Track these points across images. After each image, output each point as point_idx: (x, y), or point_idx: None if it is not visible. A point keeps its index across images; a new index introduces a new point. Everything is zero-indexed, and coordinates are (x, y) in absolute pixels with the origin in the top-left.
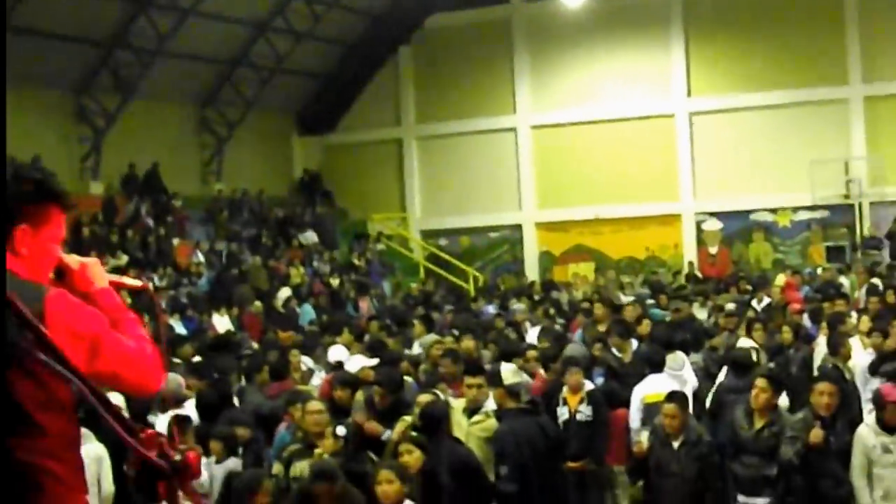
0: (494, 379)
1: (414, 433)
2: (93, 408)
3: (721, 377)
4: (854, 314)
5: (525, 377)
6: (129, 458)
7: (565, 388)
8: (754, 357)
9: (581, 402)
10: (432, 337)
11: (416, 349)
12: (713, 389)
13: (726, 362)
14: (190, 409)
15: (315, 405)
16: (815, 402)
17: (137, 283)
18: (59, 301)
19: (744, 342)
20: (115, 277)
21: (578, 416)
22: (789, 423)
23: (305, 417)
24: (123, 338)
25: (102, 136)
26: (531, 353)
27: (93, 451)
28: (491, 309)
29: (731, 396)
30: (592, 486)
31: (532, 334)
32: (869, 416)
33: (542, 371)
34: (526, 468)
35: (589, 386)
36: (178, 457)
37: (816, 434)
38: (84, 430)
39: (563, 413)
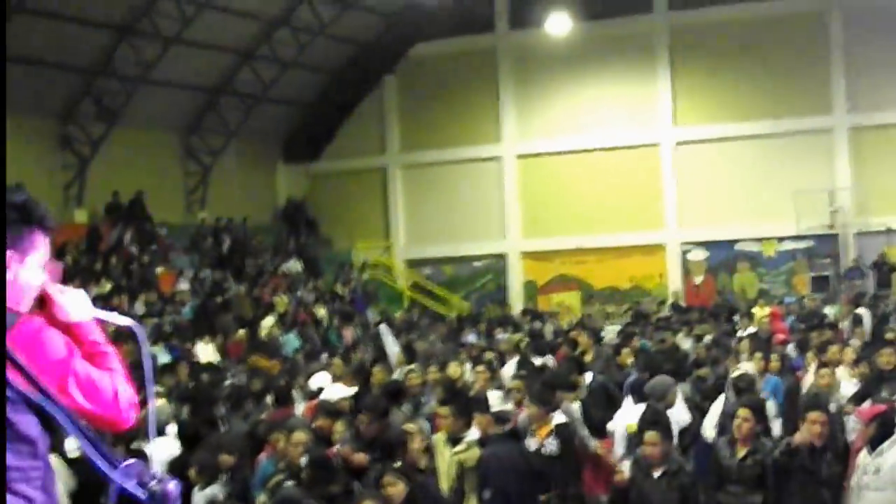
0: (482, 406)
1: (397, 465)
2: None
3: (718, 405)
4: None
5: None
6: (107, 489)
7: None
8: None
9: (549, 435)
10: (406, 370)
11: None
12: (719, 413)
13: (720, 390)
14: (172, 436)
15: (300, 436)
16: (809, 430)
17: (126, 322)
18: (27, 331)
19: (746, 366)
20: (103, 313)
21: (545, 450)
22: (780, 446)
23: (290, 448)
24: (94, 372)
25: (86, 164)
26: (514, 384)
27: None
28: (472, 338)
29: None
30: None
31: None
32: None
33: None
34: (509, 493)
35: (559, 419)
36: (156, 487)
37: (804, 435)
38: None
39: (531, 445)
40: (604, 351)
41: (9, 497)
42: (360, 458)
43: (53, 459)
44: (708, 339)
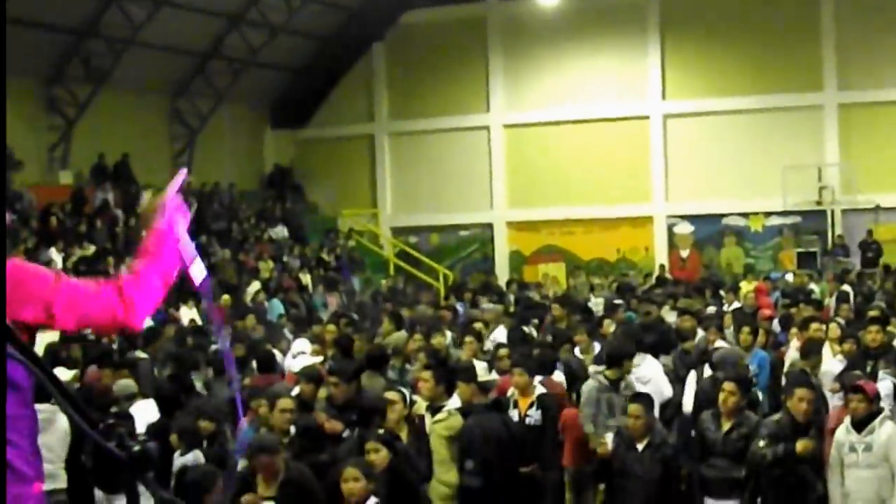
0: (467, 375)
1: (380, 431)
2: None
3: (691, 379)
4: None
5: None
6: (87, 448)
7: (515, 390)
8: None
9: (531, 406)
10: (402, 334)
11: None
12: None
13: (700, 364)
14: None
15: (287, 403)
16: (794, 407)
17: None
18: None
19: (720, 344)
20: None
21: (528, 420)
22: (765, 423)
23: (275, 414)
24: (81, 284)
25: (72, 126)
26: (503, 352)
27: (62, 424)
28: (460, 308)
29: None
30: (543, 490)
31: (500, 334)
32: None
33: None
34: (491, 463)
35: (540, 390)
36: (136, 448)
37: (805, 445)
38: (50, 406)
39: (512, 416)
40: (574, 320)
41: None
42: (333, 425)
43: (49, 407)
44: (711, 309)
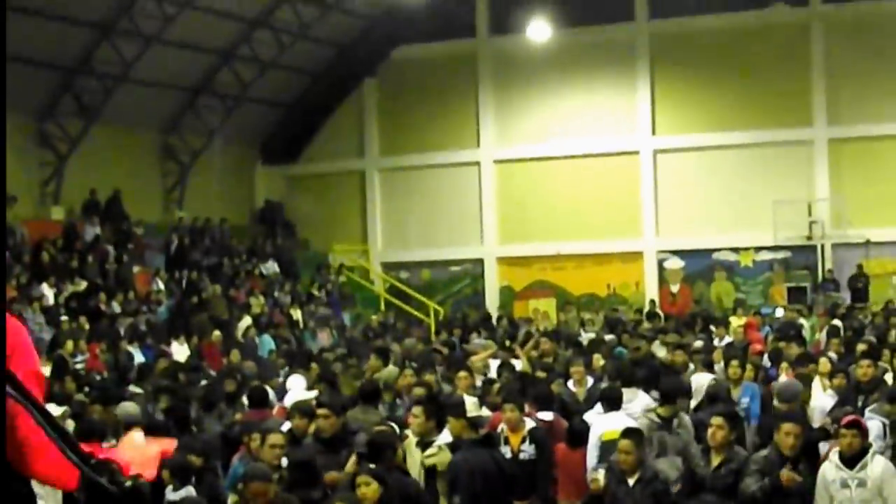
0: (458, 410)
1: (372, 465)
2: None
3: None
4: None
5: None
6: (79, 483)
7: (505, 426)
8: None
9: (523, 440)
10: (393, 370)
11: None
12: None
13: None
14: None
15: (277, 438)
16: (781, 441)
17: None
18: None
19: (701, 377)
20: None
21: (521, 455)
22: (753, 459)
23: (265, 449)
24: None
25: (64, 162)
26: (494, 387)
27: None
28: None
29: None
30: None
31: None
32: (833, 452)
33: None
34: (479, 498)
35: (530, 424)
36: (129, 483)
37: (789, 476)
38: None
39: (504, 452)
40: (562, 356)
41: None
42: (333, 476)
43: None
44: (698, 344)
